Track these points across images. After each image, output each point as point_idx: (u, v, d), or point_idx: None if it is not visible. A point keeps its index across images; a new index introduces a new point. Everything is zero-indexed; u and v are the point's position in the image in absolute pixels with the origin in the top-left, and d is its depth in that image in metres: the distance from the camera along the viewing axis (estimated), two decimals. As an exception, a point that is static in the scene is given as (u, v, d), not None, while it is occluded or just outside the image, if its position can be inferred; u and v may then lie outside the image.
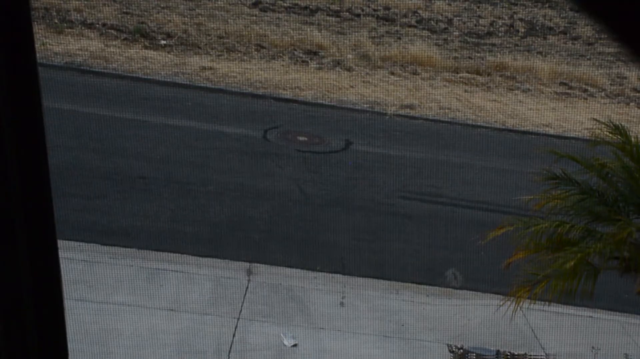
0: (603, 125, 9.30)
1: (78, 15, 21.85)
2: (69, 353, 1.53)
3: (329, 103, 18.62)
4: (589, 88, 21.97)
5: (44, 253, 1.32)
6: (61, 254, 1.54)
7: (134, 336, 9.63)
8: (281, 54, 21.55)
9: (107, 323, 9.72)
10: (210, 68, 19.75)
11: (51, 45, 18.91)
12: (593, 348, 10.74)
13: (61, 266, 1.49)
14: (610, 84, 22.54)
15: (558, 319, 11.23)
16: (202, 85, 18.56)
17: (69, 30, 20.77)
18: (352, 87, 19.96)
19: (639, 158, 8.85)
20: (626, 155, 8.98)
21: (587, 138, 13.66)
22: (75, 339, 8.80)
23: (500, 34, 25.82)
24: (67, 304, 1.45)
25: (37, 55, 1.32)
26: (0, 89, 1.21)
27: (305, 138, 16.03)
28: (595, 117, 11.59)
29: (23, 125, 1.25)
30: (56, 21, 20.98)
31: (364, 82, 20.49)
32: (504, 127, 18.62)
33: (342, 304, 11.11)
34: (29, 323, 1.34)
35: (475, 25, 26.36)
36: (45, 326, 1.36)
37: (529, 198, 9.51)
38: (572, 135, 17.86)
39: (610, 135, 9.18)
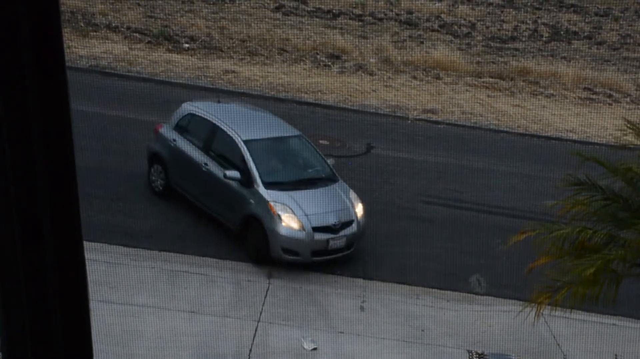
0: (630, 126, 9.19)
1: (103, 18, 22.08)
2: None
3: (351, 107, 18.62)
4: (614, 93, 21.75)
5: (71, 254, 1.33)
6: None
7: (155, 338, 9.68)
8: (303, 58, 21.59)
9: (129, 324, 9.78)
10: (233, 71, 19.84)
11: (76, 48, 19.10)
12: (616, 356, 10.63)
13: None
14: (636, 90, 22.31)
15: (581, 326, 11.12)
16: (225, 88, 18.64)
17: (94, 33, 20.98)
18: (374, 91, 19.95)
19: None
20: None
21: (612, 144, 13.53)
22: (97, 340, 8.85)
23: (523, 39, 25.67)
24: (90, 305, 1.47)
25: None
26: (31, 91, 1.23)
27: (327, 142, 16.04)
28: (621, 119, 11.43)
29: (52, 126, 1.26)
30: (81, 24, 21.21)
31: (386, 86, 20.47)
32: (526, 132, 18.49)
33: (362, 308, 11.09)
34: (55, 324, 1.35)
35: (499, 30, 26.23)
36: (71, 326, 1.37)
37: (552, 204, 9.42)
38: (596, 141, 17.69)
39: (636, 139, 9.08)
